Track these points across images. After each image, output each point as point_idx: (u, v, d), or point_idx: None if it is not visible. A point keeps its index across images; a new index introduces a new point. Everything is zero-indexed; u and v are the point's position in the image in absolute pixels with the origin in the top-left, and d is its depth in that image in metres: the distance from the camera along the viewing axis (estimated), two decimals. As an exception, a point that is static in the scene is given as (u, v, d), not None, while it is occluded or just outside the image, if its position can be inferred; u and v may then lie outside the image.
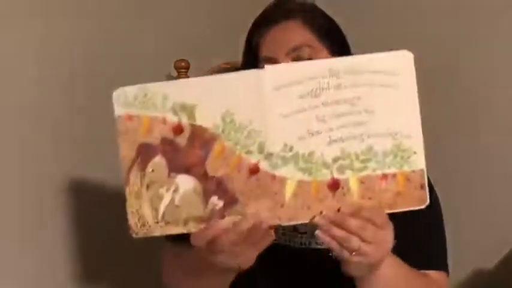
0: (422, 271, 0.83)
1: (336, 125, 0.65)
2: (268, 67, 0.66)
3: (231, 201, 0.66)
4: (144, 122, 0.68)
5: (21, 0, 1.06)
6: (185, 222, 0.67)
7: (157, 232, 0.68)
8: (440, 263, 0.89)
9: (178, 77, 1.31)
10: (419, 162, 0.66)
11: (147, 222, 0.68)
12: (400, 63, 0.65)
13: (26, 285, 1.06)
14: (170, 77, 1.36)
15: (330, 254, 0.84)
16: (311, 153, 0.65)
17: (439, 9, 1.45)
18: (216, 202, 0.66)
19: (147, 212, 0.68)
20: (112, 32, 1.23)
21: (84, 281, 1.17)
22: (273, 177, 0.66)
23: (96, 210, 1.19)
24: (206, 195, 0.66)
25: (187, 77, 1.31)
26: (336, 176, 0.65)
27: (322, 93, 0.64)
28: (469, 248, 1.37)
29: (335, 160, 0.65)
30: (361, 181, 0.65)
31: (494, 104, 1.37)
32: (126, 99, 0.68)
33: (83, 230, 1.18)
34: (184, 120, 0.67)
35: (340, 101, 0.64)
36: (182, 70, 1.30)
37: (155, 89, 0.68)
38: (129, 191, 0.68)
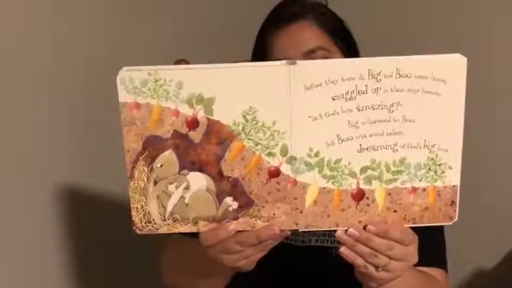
0: (423, 269, 0.82)
1: (369, 132, 0.59)
2: (300, 62, 0.59)
3: (246, 203, 0.62)
4: (153, 112, 0.61)
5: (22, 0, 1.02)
6: (195, 221, 0.63)
7: (164, 230, 0.63)
8: (440, 261, 0.89)
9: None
10: (453, 178, 0.61)
11: (153, 220, 0.63)
12: (451, 69, 0.59)
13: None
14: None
15: (331, 252, 0.83)
16: (338, 161, 0.60)
17: (440, 8, 1.42)
18: (231, 203, 0.62)
19: (153, 208, 0.63)
20: (112, 32, 1.20)
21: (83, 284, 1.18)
22: (294, 182, 0.61)
23: (96, 212, 1.20)
24: (220, 195, 0.62)
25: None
26: (362, 186, 0.61)
27: (358, 97, 0.58)
28: (469, 248, 1.38)
29: (363, 170, 0.60)
30: (388, 193, 0.61)
31: (494, 103, 1.36)
32: (133, 84, 0.61)
33: (83, 232, 1.18)
34: (201, 114, 0.60)
35: (377, 107, 0.58)
36: (182, 70, 1.28)
37: (169, 75, 0.61)
38: (134, 187, 0.62)
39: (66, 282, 1.14)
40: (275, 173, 0.61)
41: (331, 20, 0.91)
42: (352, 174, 0.61)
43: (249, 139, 0.60)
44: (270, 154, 0.60)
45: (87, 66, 1.15)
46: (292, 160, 0.61)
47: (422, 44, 1.44)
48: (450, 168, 0.61)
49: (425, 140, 0.60)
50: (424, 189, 0.61)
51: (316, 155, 0.60)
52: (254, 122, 0.60)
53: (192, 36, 1.39)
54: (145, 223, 0.63)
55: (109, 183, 1.22)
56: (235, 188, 0.61)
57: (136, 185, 0.62)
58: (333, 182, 0.61)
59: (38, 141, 1.06)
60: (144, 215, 0.63)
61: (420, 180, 0.61)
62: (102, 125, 1.19)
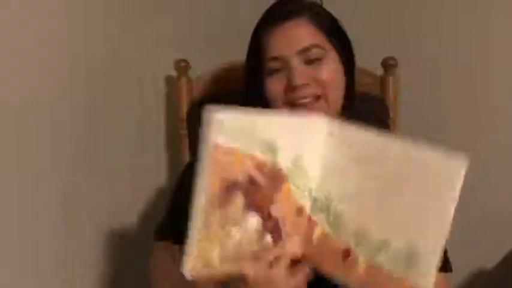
0: None
1: (368, 200, 0.64)
2: (336, 125, 0.68)
3: (277, 238, 0.67)
4: (237, 157, 0.63)
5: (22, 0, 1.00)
6: (242, 261, 0.66)
7: (219, 272, 0.65)
8: (444, 265, 0.90)
9: (178, 77, 1.28)
10: (424, 281, 0.61)
11: (212, 263, 0.64)
12: (450, 170, 0.62)
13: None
14: (170, 77, 1.34)
15: None
16: (340, 214, 0.66)
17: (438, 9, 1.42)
18: (269, 240, 0.67)
19: (215, 252, 0.63)
20: (112, 32, 1.19)
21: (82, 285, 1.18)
22: (309, 218, 0.68)
23: (96, 212, 1.20)
24: (263, 233, 0.67)
25: (188, 77, 1.28)
26: (351, 245, 0.66)
27: (367, 165, 0.64)
28: (469, 248, 1.38)
29: (356, 232, 0.65)
30: (368, 264, 0.65)
31: (493, 103, 1.36)
32: (227, 128, 0.62)
33: (84, 232, 1.17)
34: (269, 159, 0.65)
35: (378, 180, 0.63)
36: (182, 70, 1.28)
37: (253, 122, 0.64)
38: (203, 233, 0.62)
39: (66, 283, 1.13)
40: (301, 211, 0.68)
41: (326, 19, 0.93)
42: (347, 231, 0.65)
43: (293, 183, 0.66)
44: (303, 196, 0.67)
45: (87, 66, 1.14)
46: (312, 200, 0.67)
47: (420, 45, 1.44)
48: (425, 270, 0.61)
49: (408, 232, 0.61)
50: (399, 279, 0.62)
51: (327, 200, 0.66)
52: (300, 168, 0.66)
53: (192, 36, 1.38)
54: (203, 267, 0.63)
55: (109, 183, 1.22)
56: (275, 227, 0.67)
57: (206, 232, 0.62)
58: (333, 231, 0.66)
59: (38, 141, 1.06)
60: (204, 259, 0.63)
61: (396, 269, 0.62)
62: (102, 125, 1.19)
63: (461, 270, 1.40)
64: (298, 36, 0.89)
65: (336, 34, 0.93)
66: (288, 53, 0.89)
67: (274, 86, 0.91)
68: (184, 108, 1.27)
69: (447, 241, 0.93)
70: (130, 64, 1.24)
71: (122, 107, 1.23)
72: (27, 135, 1.04)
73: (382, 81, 1.27)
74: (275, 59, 0.90)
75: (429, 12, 1.41)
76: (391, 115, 1.25)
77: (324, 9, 0.95)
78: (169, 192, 1.05)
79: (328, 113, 0.91)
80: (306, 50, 0.89)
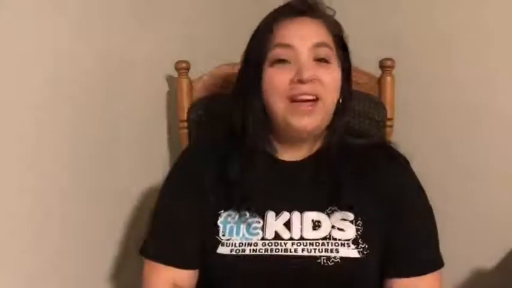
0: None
1: None
2: None
3: None
4: None
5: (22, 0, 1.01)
6: None
7: None
8: (435, 264, 0.92)
9: (178, 77, 1.29)
10: None
11: None
12: None
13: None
14: (171, 78, 1.34)
15: (318, 261, 0.86)
16: None
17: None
18: None
19: None
20: (113, 32, 1.19)
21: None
22: None
23: (96, 212, 1.20)
24: None
25: (188, 77, 1.28)
26: None
27: None
28: (469, 248, 1.37)
29: None
30: None
31: (492, 103, 1.36)
32: None
33: (84, 232, 1.17)
34: None
35: None
36: (183, 71, 1.28)
37: None
38: None
39: (65, 282, 1.14)
40: None
41: (336, 26, 0.96)
42: None
43: None
44: None
45: (88, 66, 1.14)
46: None
47: (418, 46, 1.44)
48: None
49: None
50: None
51: None
52: None
53: (192, 36, 1.39)
54: None
55: (110, 183, 1.23)
56: None
57: None
58: None
59: (39, 141, 1.06)
60: None
61: None
62: (103, 126, 1.19)
63: (461, 270, 1.40)
64: (313, 31, 0.91)
65: (341, 42, 0.95)
66: (301, 45, 0.89)
67: (279, 76, 0.90)
68: (185, 108, 1.27)
69: (444, 239, 0.94)
70: (131, 64, 1.24)
71: (123, 107, 1.24)
72: (28, 135, 1.04)
73: (380, 82, 1.28)
74: (285, 46, 0.90)
75: (427, 13, 1.42)
76: (389, 115, 1.26)
77: (335, 19, 0.97)
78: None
79: (323, 114, 0.92)
80: (319, 45, 0.90)
